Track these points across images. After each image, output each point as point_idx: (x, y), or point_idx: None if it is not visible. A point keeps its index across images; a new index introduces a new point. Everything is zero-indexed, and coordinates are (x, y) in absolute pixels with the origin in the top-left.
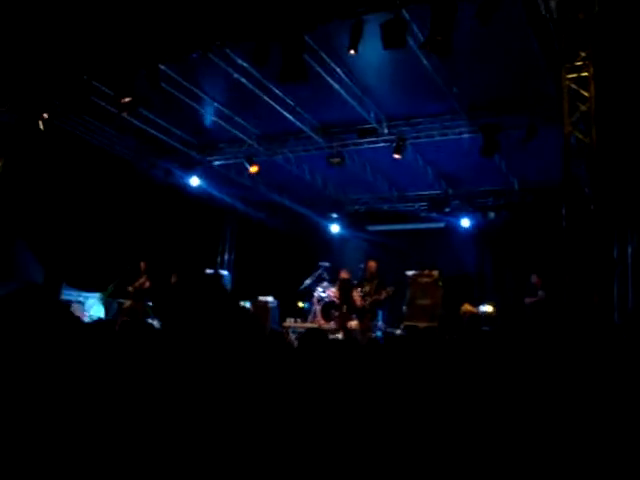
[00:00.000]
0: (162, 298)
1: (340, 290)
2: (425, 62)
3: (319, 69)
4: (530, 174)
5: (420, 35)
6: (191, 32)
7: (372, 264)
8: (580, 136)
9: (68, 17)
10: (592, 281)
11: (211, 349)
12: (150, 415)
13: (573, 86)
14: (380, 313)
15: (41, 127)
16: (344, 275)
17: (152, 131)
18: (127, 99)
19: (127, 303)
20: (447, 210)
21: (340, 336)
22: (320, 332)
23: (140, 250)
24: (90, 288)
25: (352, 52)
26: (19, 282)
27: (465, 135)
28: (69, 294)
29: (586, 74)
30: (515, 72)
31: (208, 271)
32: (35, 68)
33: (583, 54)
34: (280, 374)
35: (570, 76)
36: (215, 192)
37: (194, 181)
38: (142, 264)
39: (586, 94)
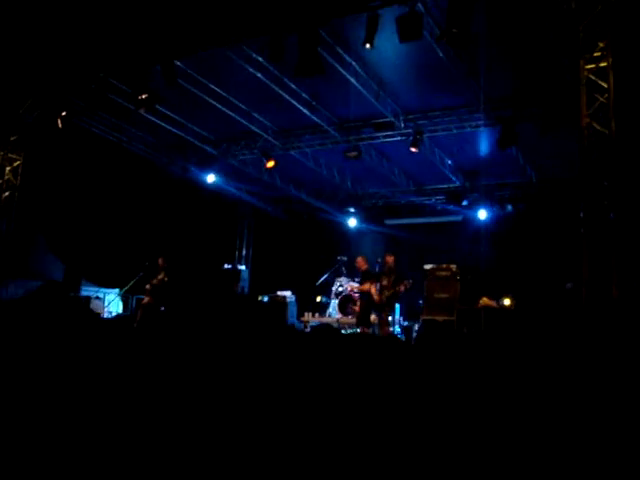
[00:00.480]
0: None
1: (364, 281)
2: (441, 55)
3: (335, 63)
4: (548, 166)
5: (436, 28)
6: (206, 27)
7: (390, 258)
8: (599, 127)
9: (84, 15)
10: (612, 274)
11: (222, 342)
12: (164, 406)
13: (591, 77)
14: (398, 307)
15: (59, 125)
16: (362, 265)
17: (169, 127)
18: (144, 95)
19: (145, 299)
20: (464, 203)
21: (359, 330)
22: (330, 328)
23: (158, 246)
24: (109, 284)
25: (368, 46)
26: (40, 279)
27: (482, 128)
28: (88, 290)
29: (605, 64)
30: (532, 64)
31: (226, 266)
32: (53, 67)
33: (601, 44)
34: (289, 368)
35: (588, 67)
36: (232, 187)
37: (210, 178)
38: (160, 260)
39: (605, 85)
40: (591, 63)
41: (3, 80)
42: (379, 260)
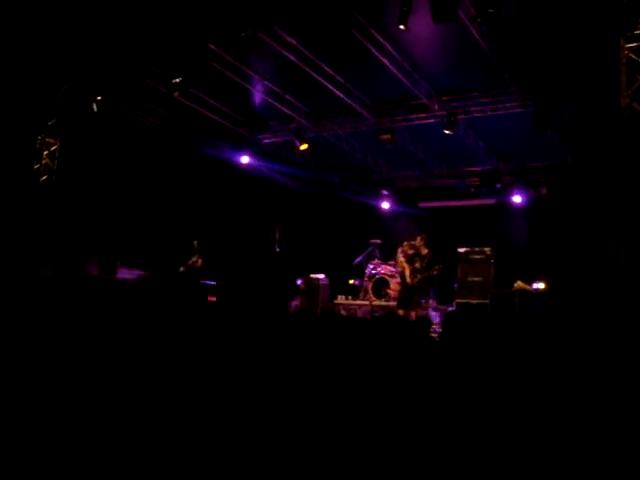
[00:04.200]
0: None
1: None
2: (476, 35)
3: (369, 45)
4: (584, 147)
5: (471, 7)
6: (240, 12)
7: (423, 240)
8: (639, 108)
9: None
10: None
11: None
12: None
13: (632, 56)
14: (431, 290)
15: (95, 108)
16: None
17: (203, 110)
18: (178, 79)
19: None
20: (499, 186)
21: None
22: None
23: (193, 229)
24: (145, 267)
25: (402, 27)
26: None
27: (517, 109)
28: (125, 273)
29: None
30: (569, 42)
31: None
32: (89, 51)
33: None
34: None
35: (629, 45)
36: (266, 170)
37: (245, 159)
38: (195, 243)
39: None
40: (632, 42)
41: (40, 64)
42: (412, 243)
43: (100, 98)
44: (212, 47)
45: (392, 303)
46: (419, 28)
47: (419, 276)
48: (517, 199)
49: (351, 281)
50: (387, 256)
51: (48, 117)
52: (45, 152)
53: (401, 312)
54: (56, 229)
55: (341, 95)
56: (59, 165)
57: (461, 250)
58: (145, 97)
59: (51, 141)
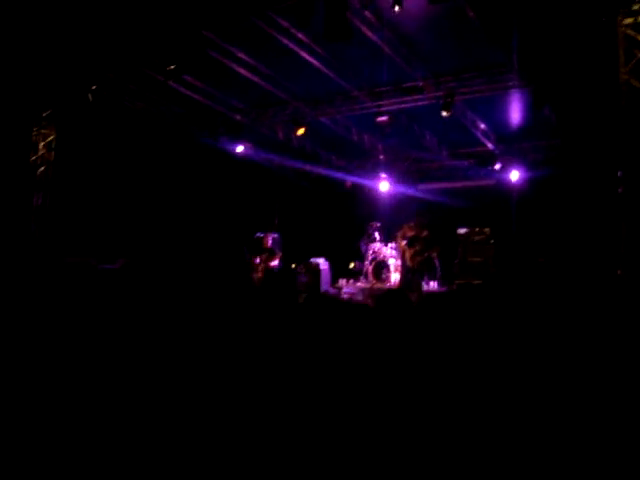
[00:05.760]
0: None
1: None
2: (472, 14)
3: (363, 27)
4: (583, 125)
5: None
6: None
7: (420, 222)
8: (637, 84)
9: None
10: None
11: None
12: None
13: (629, 32)
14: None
15: (90, 98)
16: (407, 231)
17: (199, 98)
18: (172, 66)
19: None
20: (497, 166)
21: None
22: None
23: (191, 216)
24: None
25: (397, 8)
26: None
27: (515, 89)
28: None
29: None
30: (568, 20)
31: (258, 234)
32: (83, 40)
33: None
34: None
35: (626, 22)
36: (262, 155)
37: (240, 148)
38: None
39: None
40: (629, 17)
41: (32, 56)
42: (411, 225)
43: (95, 87)
44: (206, 34)
45: (393, 285)
46: (414, 9)
47: (419, 258)
48: (516, 178)
49: (352, 264)
50: (387, 239)
51: (43, 108)
52: (41, 143)
53: None
54: (55, 220)
55: (337, 79)
56: (56, 156)
57: (461, 231)
58: (141, 85)
59: (47, 132)
